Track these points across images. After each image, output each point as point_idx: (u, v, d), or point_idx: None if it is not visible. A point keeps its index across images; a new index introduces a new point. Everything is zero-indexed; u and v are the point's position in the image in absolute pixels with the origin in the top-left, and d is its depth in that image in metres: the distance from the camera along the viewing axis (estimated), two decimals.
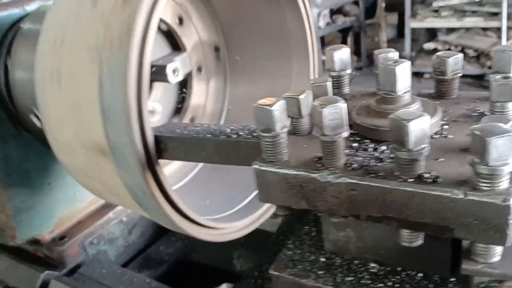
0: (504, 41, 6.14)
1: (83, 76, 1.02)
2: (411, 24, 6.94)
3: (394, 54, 0.91)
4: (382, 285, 0.80)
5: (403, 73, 0.76)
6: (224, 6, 1.58)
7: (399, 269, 0.82)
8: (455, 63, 0.86)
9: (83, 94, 1.03)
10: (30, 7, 1.58)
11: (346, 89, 0.99)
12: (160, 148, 1.06)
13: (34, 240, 1.63)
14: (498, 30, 6.75)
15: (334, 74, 0.96)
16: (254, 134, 0.98)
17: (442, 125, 0.79)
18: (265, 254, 1.46)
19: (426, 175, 0.65)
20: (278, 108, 0.73)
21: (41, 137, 1.53)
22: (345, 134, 0.70)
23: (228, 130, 1.05)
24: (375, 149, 0.75)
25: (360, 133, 0.79)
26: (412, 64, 6.90)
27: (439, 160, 0.69)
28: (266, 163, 0.76)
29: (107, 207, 1.84)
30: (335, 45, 0.98)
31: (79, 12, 1.08)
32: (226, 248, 1.78)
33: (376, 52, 0.92)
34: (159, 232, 1.97)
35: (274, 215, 1.44)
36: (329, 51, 0.96)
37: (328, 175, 0.70)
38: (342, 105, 0.69)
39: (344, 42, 7.71)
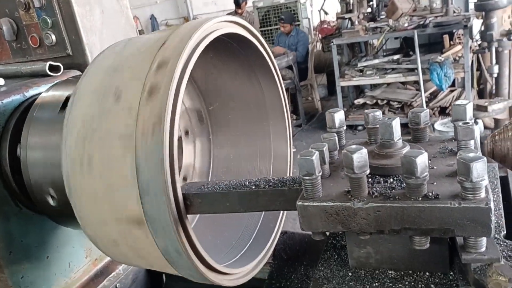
0: (423, 92, 6.93)
1: (118, 161, 1.12)
2: (340, 83, 7.64)
3: (379, 113, 1.21)
4: (401, 285, 1.05)
5: (396, 125, 1.05)
6: (201, 78, 1.79)
7: (410, 271, 1.08)
8: (425, 116, 1.17)
9: (117, 176, 1.13)
10: (29, 93, 1.76)
11: (344, 141, 1.28)
12: (187, 204, 1.24)
13: None
14: (415, 83, 7.62)
15: (335, 130, 1.25)
16: (271, 183, 1.21)
17: None
18: None
19: (430, 194, 0.92)
20: (316, 158, 0.99)
21: (53, 214, 1.64)
22: (368, 171, 0.97)
23: (247, 183, 1.26)
24: (385, 181, 1.02)
25: (371, 171, 1.06)
26: (346, 118, 7.55)
27: (434, 183, 0.97)
28: (307, 200, 1.01)
29: (100, 275, 1.92)
30: (333, 108, 1.27)
31: (102, 106, 1.19)
32: None
33: (366, 111, 1.22)
34: None
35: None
36: (329, 113, 1.24)
37: (358, 202, 0.96)
38: (364, 151, 0.96)
39: None
